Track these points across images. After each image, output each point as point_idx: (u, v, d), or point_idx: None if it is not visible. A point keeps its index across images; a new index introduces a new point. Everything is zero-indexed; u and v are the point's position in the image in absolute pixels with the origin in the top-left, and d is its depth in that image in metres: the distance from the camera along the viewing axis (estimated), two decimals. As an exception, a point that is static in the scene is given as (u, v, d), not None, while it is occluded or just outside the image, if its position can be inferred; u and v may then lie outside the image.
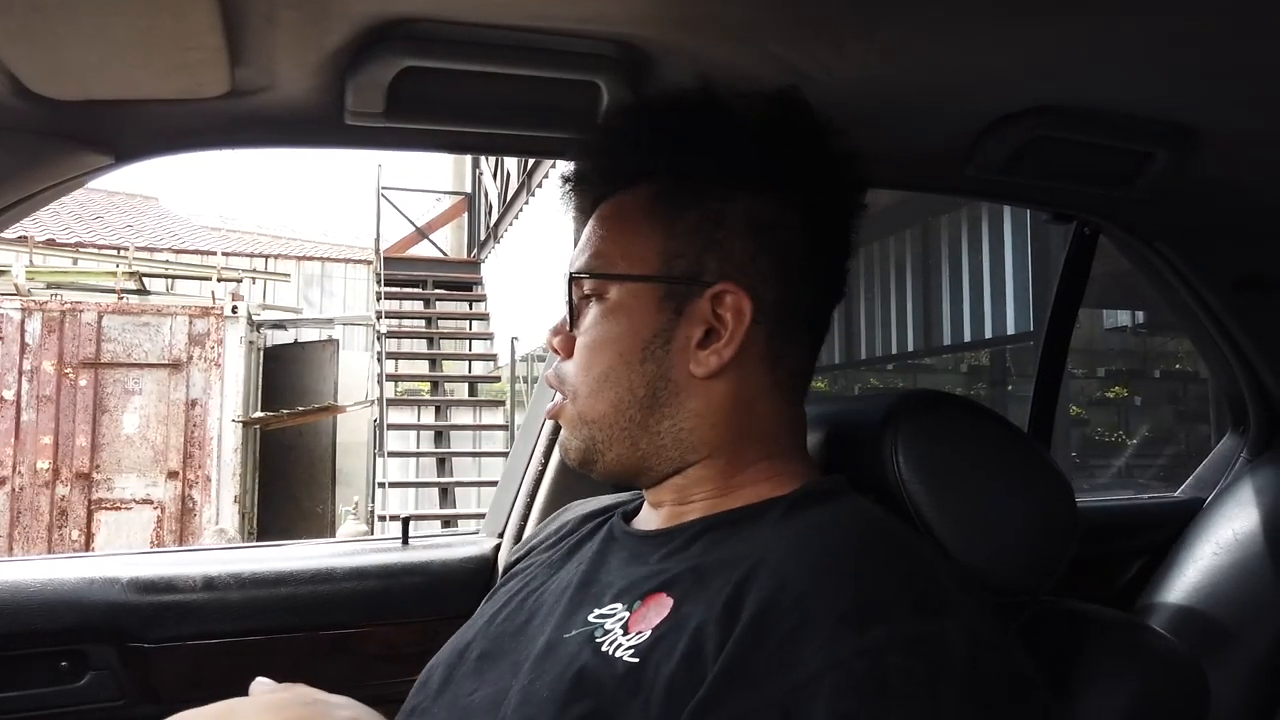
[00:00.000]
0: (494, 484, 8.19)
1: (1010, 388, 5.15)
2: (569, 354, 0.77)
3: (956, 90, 0.90)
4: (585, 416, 0.74)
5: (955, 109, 0.94)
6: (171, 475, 7.44)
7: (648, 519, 0.78)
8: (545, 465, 1.21)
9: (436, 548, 1.17)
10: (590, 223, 0.79)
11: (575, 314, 0.77)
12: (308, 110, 0.90)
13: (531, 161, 7.93)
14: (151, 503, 7.39)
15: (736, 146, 0.73)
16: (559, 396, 0.78)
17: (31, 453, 7.10)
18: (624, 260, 0.74)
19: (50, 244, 9.85)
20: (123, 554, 1.11)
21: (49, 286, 7.99)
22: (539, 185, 7.86)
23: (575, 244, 0.81)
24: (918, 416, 0.76)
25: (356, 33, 0.78)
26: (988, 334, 4.95)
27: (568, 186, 0.82)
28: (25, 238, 9.43)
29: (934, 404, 0.78)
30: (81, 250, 9.99)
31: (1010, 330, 4.75)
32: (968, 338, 5.15)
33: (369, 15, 0.76)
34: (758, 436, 0.73)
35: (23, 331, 7.18)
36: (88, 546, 7.17)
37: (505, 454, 8.15)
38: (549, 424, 1.21)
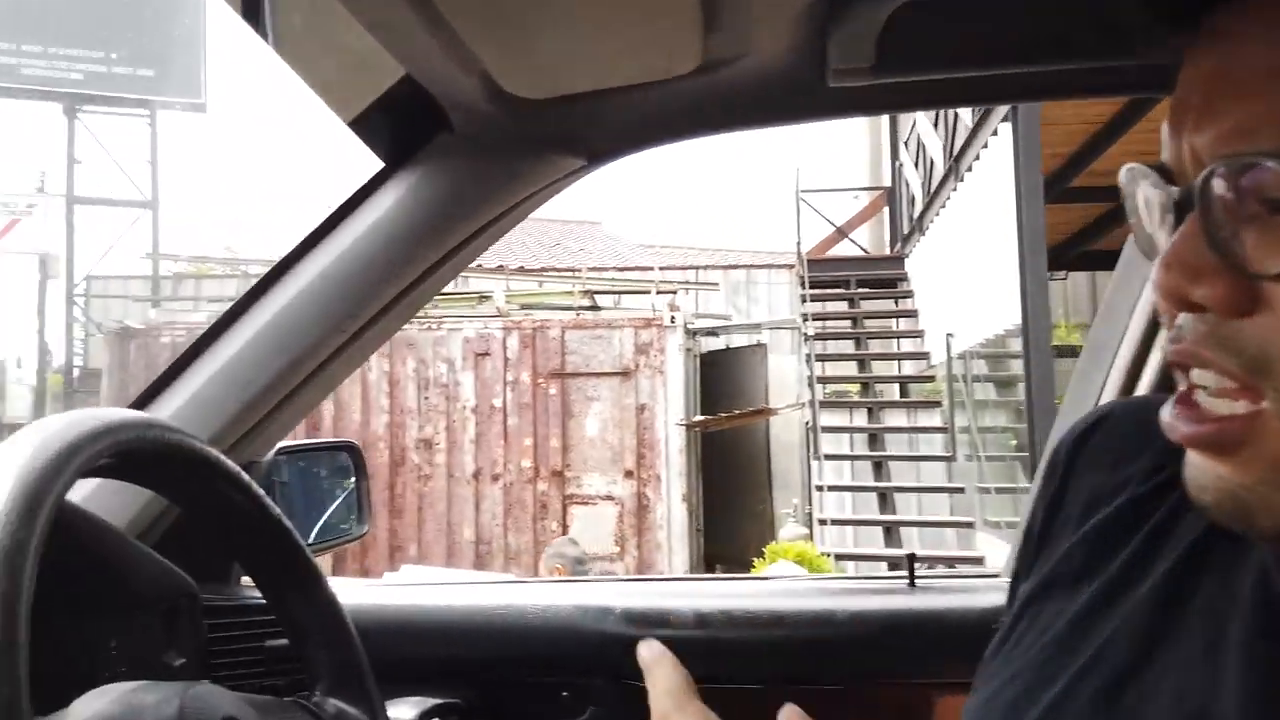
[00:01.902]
0: (936, 490, 7.80)
1: None
2: (1236, 309, 0.39)
3: None
4: None
5: None
6: (628, 474, 8.11)
7: None
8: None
9: (952, 592, 0.98)
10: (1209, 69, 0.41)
11: (1226, 238, 0.38)
12: (785, 76, 0.78)
13: (959, 145, 7.42)
14: (613, 499, 8.12)
15: None
16: (1227, 404, 0.40)
17: (516, 453, 8.17)
18: None
19: (521, 270, 11.36)
20: (606, 580, 1.08)
21: (522, 308, 9.18)
22: (968, 170, 7.32)
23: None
24: None
25: None
26: None
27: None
28: (502, 267, 10.95)
29: None
30: (545, 274, 11.36)
31: None
32: None
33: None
34: None
35: (504, 348, 8.30)
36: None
37: (946, 458, 7.69)
38: None
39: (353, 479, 1.18)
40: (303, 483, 1.11)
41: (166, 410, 0.82)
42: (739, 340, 10.09)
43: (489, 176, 0.82)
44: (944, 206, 8.23)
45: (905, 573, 0.99)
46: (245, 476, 0.65)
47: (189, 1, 16.37)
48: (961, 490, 7.50)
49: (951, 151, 7.89)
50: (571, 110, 0.80)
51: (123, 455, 0.53)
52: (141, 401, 0.85)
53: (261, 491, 0.67)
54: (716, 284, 12.04)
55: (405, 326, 6.60)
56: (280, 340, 0.83)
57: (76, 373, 14.92)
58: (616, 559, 8.06)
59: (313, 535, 1.10)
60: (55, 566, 0.72)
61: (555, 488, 8.15)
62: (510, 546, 8.09)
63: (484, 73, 0.72)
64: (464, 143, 0.81)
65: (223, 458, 0.63)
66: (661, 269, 11.53)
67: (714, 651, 0.94)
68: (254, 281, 0.85)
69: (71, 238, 15.42)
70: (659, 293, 9.48)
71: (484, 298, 9.61)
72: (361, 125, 0.80)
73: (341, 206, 0.82)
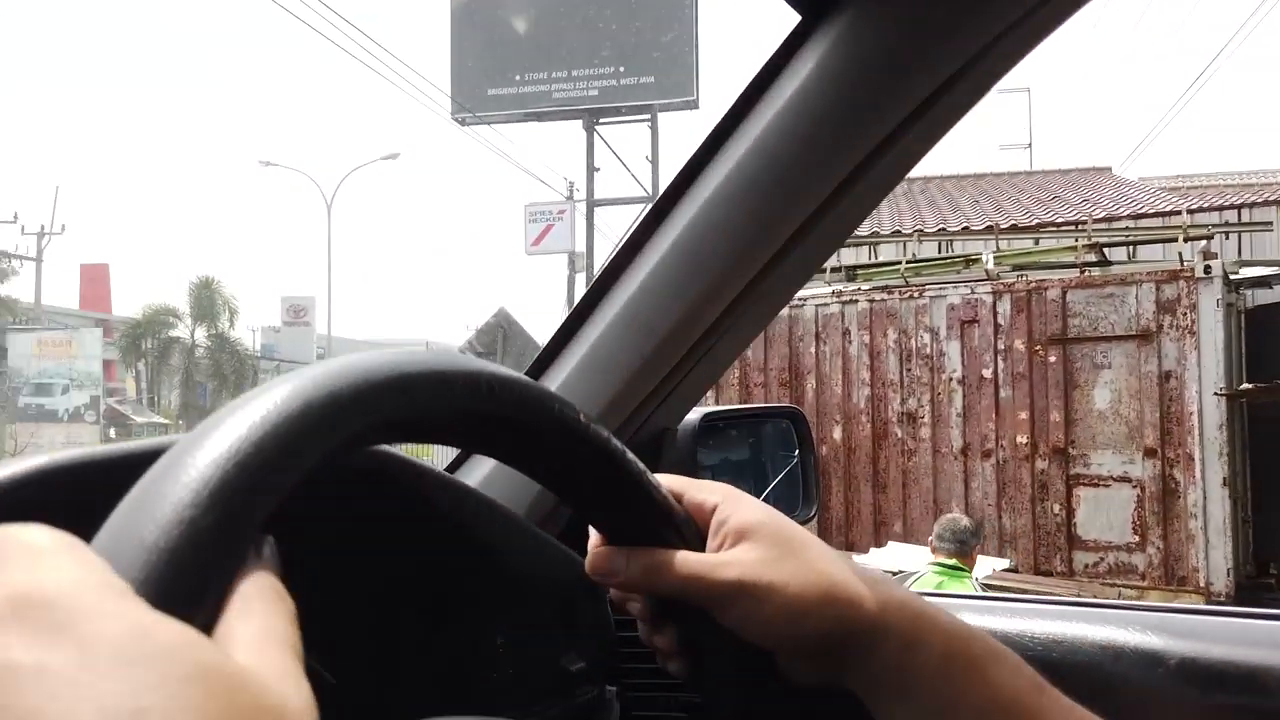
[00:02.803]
0: None
1: None
2: None
3: None
4: None
5: None
6: (1149, 453, 6.97)
7: None
8: None
9: None
10: None
11: None
12: None
13: None
14: (1129, 481, 7.05)
15: None
16: None
17: (1010, 427, 7.47)
18: None
19: (1014, 229, 10.40)
20: (1124, 608, 0.73)
21: (1014, 269, 8.35)
22: None
23: None
24: None
25: None
26: None
27: None
28: (991, 226, 10.13)
29: None
30: (1042, 230, 10.27)
31: None
32: None
33: None
34: None
35: (994, 314, 7.62)
36: (1068, 522, 7.21)
37: None
38: None
39: (796, 451, 0.99)
40: (735, 453, 0.95)
41: (557, 378, 0.71)
42: (1302, 291, 8.11)
43: (936, 19, 0.56)
44: None
45: None
46: (613, 444, 0.49)
47: (682, 8, 17.79)
48: None
49: None
50: None
51: (412, 420, 0.40)
52: (537, 367, 0.74)
53: (640, 466, 0.50)
54: (1269, 223, 9.86)
55: (884, 297, 6.43)
56: (682, 277, 0.67)
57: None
58: (1135, 549, 6.99)
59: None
60: (433, 550, 0.64)
61: (1057, 466, 7.29)
62: (1005, 528, 7.43)
63: None
64: None
65: (580, 420, 0.47)
66: (1191, 211, 9.75)
67: None
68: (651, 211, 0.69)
69: (591, 236, 17.76)
70: (1188, 239, 7.98)
71: (971, 261, 8.95)
72: None
73: (750, 87, 0.62)
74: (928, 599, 0.53)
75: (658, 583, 0.50)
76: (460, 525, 0.62)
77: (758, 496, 0.96)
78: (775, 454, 0.99)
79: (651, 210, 0.68)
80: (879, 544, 7.43)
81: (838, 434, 8.13)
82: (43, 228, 30.59)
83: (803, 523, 1.04)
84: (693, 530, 0.53)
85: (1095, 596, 6.36)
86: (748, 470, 0.96)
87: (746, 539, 0.51)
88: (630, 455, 0.50)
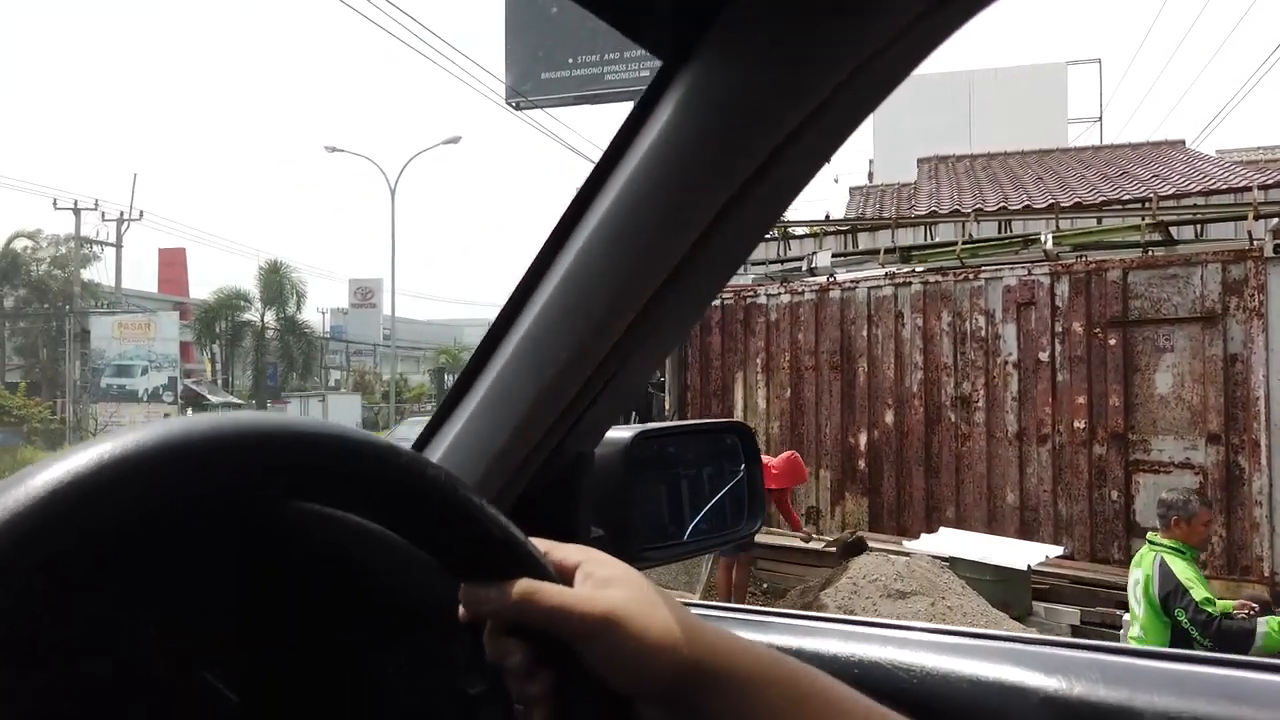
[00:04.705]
0: None
1: None
2: None
3: None
4: None
5: None
6: (1212, 439, 6.76)
7: None
8: None
9: None
10: None
11: None
12: None
13: None
14: (1192, 467, 6.84)
15: None
16: None
17: (1067, 412, 7.30)
18: None
19: (1077, 207, 10.08)
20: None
21: (1075, 249, 8.12)
22: None
23: None
24: None
25: None
26: None
27: None
28: (1052, 205, 9.85)
29: None
30: (1105, 209, 9.95)
31: None
32: None
33: None
34: None
35: (1053, 295, 7.43)
36: (1127, 509, 7.03)
37: None
38: None
39: (742, 465, 1.00)
40: (676, 471, 0.97)
41: (445, 438, 0.73)
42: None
43: (797, 52, 0.57)
44: None
45: None
46: (437, 478, 0.51)
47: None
48: None
49: None
50: None
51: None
52: (426, 435, 0.77)
53: (475, 498, 0.53)
54: (1348, 199, 9.39)
55: (938, 279, 6.31)
56: (576, 305, 0.69)
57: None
58: (1199, 539, 6.78)
59: (687, 531, 0.95)
60: (330, 588, 0.67)
61: (1116, 452, 7.10)
62: (1061, 515, 7.27)
63: None
64: (760, 12, 0.57)
65: (396, 456, 0.50)
66: (1263, 187, 9.34)
67: None
68: (539, 248, 0.71)
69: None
70: (1259, 216, 7.65)
71: (1029, 241, 8.72)
72: (629, 21, 0.61)
73: (622, 130, 0.63)
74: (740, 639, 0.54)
75: (527, 611, 0.52)
76: (358, 560, 0.65)
77: (700, 510, 0.98)
78: (720, 469, 1.00)
79: (541, 249, 0.70)
80: (930, 529, 7.35)
81: (889, 418, 8.04)
82: (122, 214, 31.66)
83: (748, 536, 1.05)
84: (557, 577, 0.55)
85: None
86: (689, 486, 0.98)
87: (611, 586, 0.53)
88: (485, 506, 0.52)
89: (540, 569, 0.54)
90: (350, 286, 41.09)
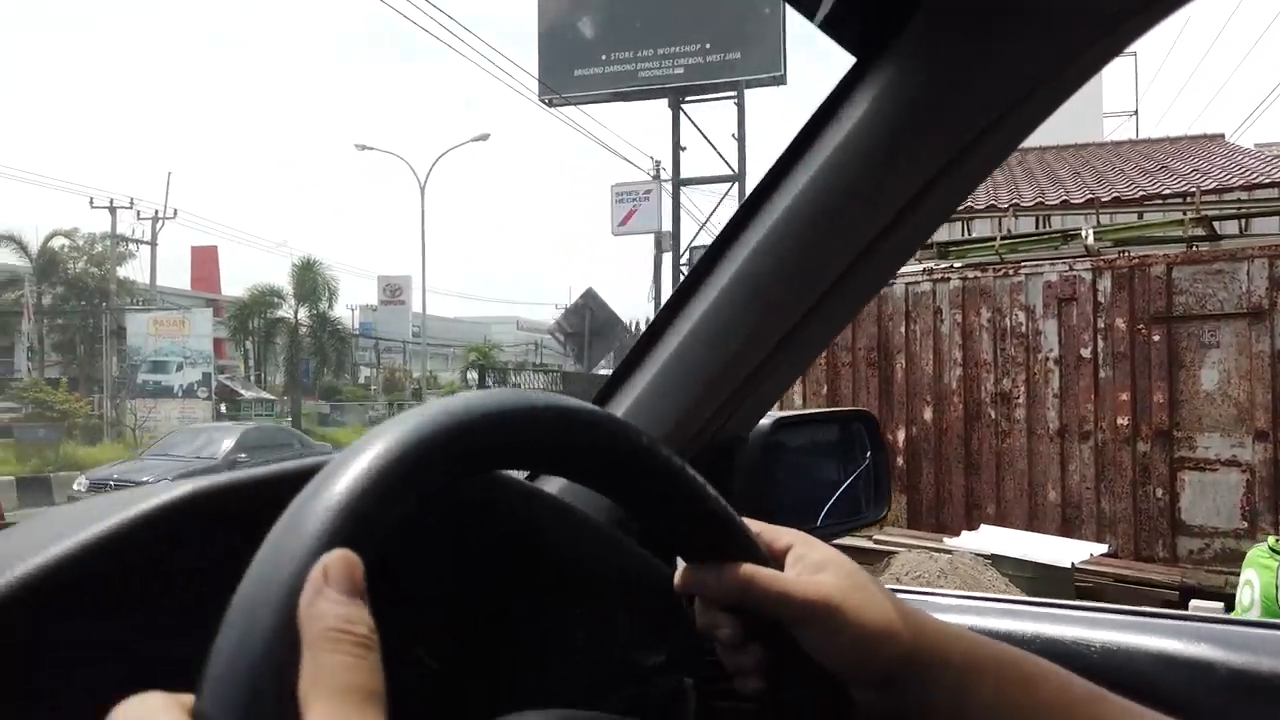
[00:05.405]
0: None
1: None
2: None
3: None
4: None
5: None
6: (1259, 436, 6.67)
7: None
8: None
9: None
10: None
11: None
12: None
13: None
14: (1239, 465, 6.77)
15: None
16: None
17: (1110, 409, 7.23)
18: None
19: (1116, 202, 9.99)
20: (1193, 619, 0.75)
21: (1116, 244, 8.05)
22: None
23: None
24: None
25: None
26: None
27: None
28: (1092, 200, 9.76)
29: None
30: (1146, 204, 9.84)
31: None
32: None
33: None
34: None
35: (1094, 291, 7.36)
36: (1172, 507, 6.96)
37: None
38: None
39: (869, 453, 1.03)
40: (807, 458, 0.99)
41: (631, 394, 0.76)
42: None
43: (986, 57, 0.59)
44: None
45: None
46: (670, 460, 0.53)
47: (768, -22, 17.49)
48: None
49: None
50: None
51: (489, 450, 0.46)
52: (612, 384, 0.80)
53: (700, 481, 0.55)
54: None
55: (977, 274, 6.29)
56: (748, 296, 0.71)
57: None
58: (1244, 536, 6.70)
59: (820, 517, 0.98)
60: (525, 561, 0.70)
61: (1160, 449, 7.03)
62: (1104, 513, 7.21)
63: None
64: (951, 15, 0.59)
65: (638, 437, 0.52)
66: (1309, 181, 9.20)
67: None
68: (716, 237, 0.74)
69: (678, 216, 17.72)
70: (1305, 211, 7.55)
71: (1069, 236, 8.66)
72: (827, 17, 0.64)
73: (810, 121, 0.66)
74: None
75: (749, 596, 0.53)
76: (549, 537, 0.68)
77: (831, 496, 1.00)
78: (847, 456, 1.03)
79: (719, 236, 0.73)
80: (971, 527, 7.31)
81: (928, 415, 8.00)
82: (157, 212, 32.12)
83: (875, 520, 1.08)
84: (771, 560, 0.57)
85: (1199, 584, 6.14)
86: (819, 472, 1.00)
87: (825, 570, 0.55)
88: (709, 488, 0.55)
89: (755, 552, 0.56)
90: (379, 283, 41.40)
